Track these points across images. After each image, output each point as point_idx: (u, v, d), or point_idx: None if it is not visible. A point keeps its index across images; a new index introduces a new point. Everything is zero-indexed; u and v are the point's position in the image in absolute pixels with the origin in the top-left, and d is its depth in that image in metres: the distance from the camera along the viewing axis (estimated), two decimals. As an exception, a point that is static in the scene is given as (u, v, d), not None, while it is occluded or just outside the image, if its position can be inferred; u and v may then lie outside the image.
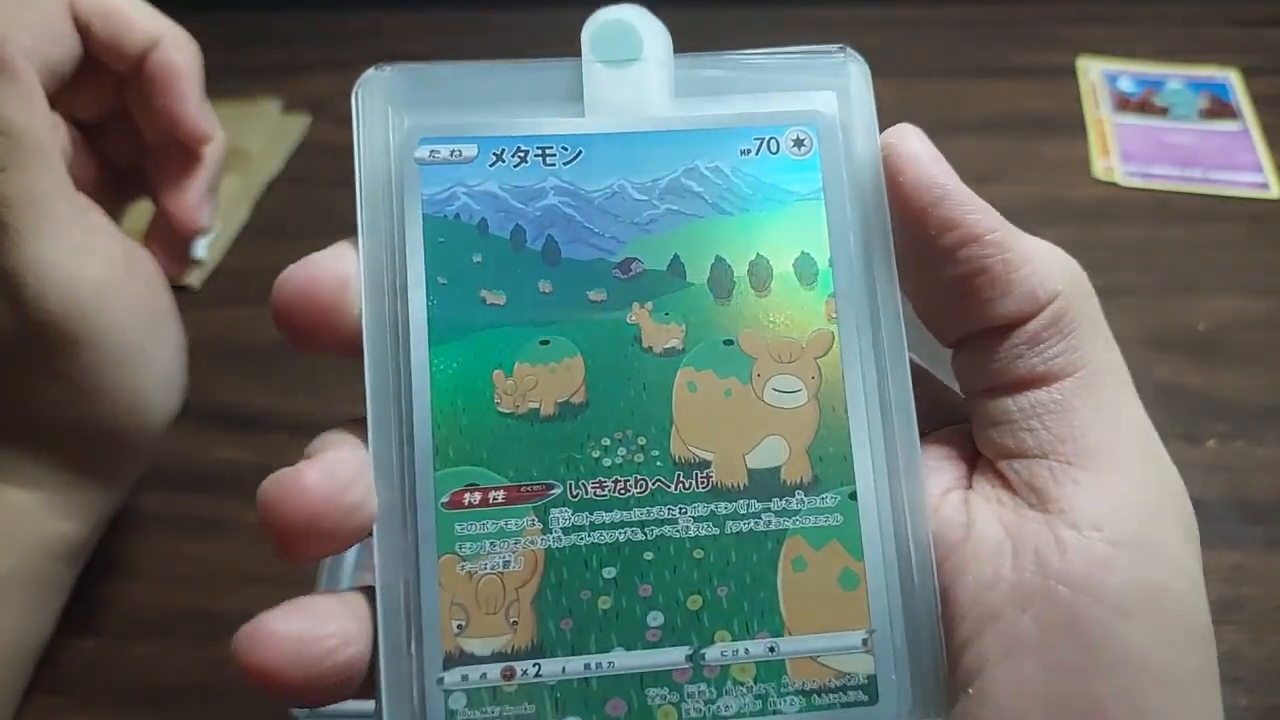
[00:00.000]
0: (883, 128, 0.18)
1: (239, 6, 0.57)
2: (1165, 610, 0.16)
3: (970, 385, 0.18)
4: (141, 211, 0.32)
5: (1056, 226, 0.43)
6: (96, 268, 0.25)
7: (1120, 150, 0.46)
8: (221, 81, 0.33)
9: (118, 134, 0.30)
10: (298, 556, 0.16)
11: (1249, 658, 0.29)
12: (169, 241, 0.31)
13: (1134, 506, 0.16)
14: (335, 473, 0.16)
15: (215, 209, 0.31)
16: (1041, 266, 0.17)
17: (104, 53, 0.28)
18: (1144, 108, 0.48)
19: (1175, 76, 0.49)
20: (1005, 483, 0.17)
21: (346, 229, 0.17)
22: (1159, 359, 0.38)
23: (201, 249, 0.33)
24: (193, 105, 0.28)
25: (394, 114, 0.17)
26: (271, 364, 0.39)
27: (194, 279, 0.42)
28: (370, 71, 0.18)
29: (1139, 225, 0.43)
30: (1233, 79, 0.49)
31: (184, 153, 0.29)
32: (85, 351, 0.25)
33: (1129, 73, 0.50)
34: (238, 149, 0.44)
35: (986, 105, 0.49)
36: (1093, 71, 0.50)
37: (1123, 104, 0.48)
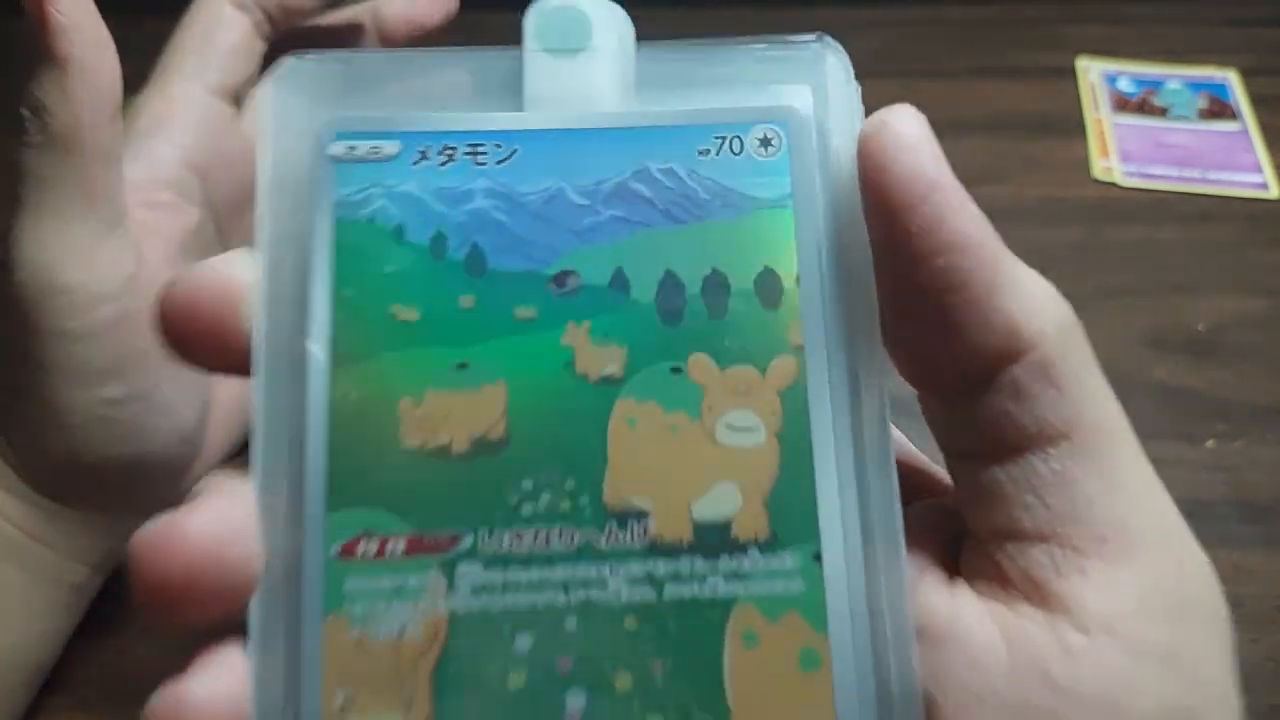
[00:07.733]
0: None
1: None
2: None
3: (949, 443, 0.15)
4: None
5: (1056, 227, 0.43)
6: (81, 273, 0.24)
7: (1119, 150, 0.46)
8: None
9: None
10: (168, 620, 0.13)
11: (1248, 657, 0.28)
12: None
13: (1157, 604, 0.13)
14: (222, 520, 0.13)
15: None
16: (1029, 299, 0.14)
17: None
18: (1143, 108, 0.47)
19: (1174, 77, 0.49)
20: (997, 569, 0.14)
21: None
22: (1158, 359, 0.38)
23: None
24: None
25: (309, 106, 0.15)
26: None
27: None
28: (288, 59, 0.16)
29: (1138, 225, 0.43)
30: (1232, 79, 0.49)
31: None
32: (47, 347, 0.24)
33: (1128, 73, 0.49)
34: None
35: (986, 106, 0.49)
36: (1092, 72, 0.49)
37: (1122, 104, 0.48)
